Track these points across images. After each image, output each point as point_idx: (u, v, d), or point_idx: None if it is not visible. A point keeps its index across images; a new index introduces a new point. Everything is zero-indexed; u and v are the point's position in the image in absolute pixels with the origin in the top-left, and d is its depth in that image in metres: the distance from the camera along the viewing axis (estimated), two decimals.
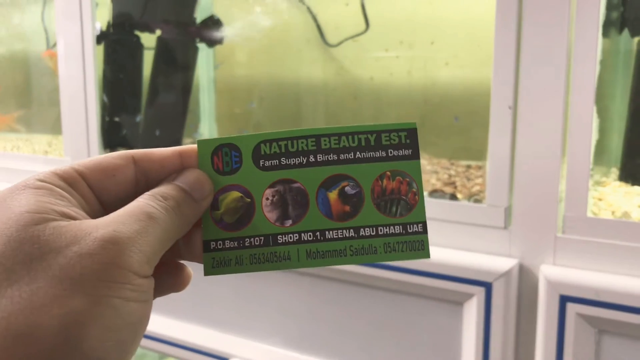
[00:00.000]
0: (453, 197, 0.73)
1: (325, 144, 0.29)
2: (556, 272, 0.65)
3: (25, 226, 0.22)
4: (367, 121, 1.04)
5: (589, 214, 0.65)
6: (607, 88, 0.85)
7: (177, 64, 0.95)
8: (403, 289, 0.72)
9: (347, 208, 0.28)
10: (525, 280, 0.68)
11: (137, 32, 0.97)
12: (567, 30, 0.63)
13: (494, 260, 0.68)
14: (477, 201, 0.71)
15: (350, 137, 0.29)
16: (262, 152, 0.29)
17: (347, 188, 0.29)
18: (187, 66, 0.95)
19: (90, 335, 0.21)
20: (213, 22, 0.92)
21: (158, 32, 0.96)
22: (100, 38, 0.95)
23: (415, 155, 0.29)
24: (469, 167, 0.87)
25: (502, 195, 0.68)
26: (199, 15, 0.98)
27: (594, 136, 0.68)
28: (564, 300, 0.64)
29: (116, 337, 0.22)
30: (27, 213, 0.22)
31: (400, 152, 0.29)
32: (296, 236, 0.28)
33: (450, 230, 0.71)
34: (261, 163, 0.29)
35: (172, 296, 0.30)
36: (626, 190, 0.74)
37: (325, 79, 1.05)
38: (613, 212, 0.66)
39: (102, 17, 0.97)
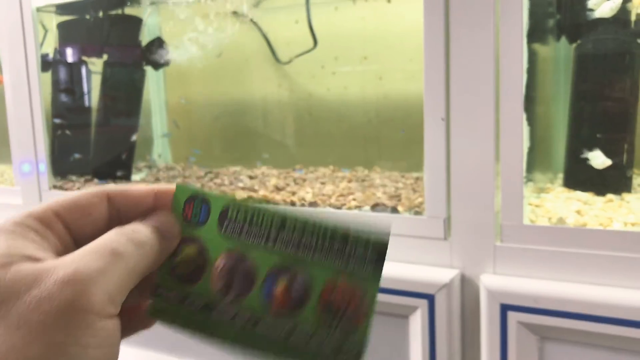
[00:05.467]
0: (394, 210, 0.73)
1: (290, 226, 0.27)
2: (496, 281, 0.65)
3: None
4: (317, 137, 1.05)
5: (526, 222, 0.66)
6: (548, 94, 0.86)
7: (124, 87, 0.95)
8: None
9: (289, 302, 0.27)
10: (467, 290, 0.68)
11: (84, 58, 0.97)
12: (494, 41, 0.64)
13: (435, 271, 0.68)
14: (417, 213, 0.71)
15: (317, 228, 0.27)
16: (229, 216, 0.28)
17: (296, 281, 0.27)
18: (135, 89, 0.95)
19: None
20: (158, 45, 0.92)
21: (105, 57, 0.96)
22: (47, 65, 0.95)
23: (377, 276, 0.26)
24: (417, 179, 0.88)
25: (440, 207, 0.68)
26: (148, 38, 0.98)
27: (527, 143, 0.68)
28: (505, 309, 0.64)
29: None
30: None
31: (362, 267, 0.26)
32: (232, 314, 0.27)
33: (392, 243, 0.70)
34: (225, 226, 0.28)
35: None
36: (567, 195, 0.74)
37: (279, 95, 1.06)
38: (550, 219, 0.66)
39: (49, 44, 0.97)
